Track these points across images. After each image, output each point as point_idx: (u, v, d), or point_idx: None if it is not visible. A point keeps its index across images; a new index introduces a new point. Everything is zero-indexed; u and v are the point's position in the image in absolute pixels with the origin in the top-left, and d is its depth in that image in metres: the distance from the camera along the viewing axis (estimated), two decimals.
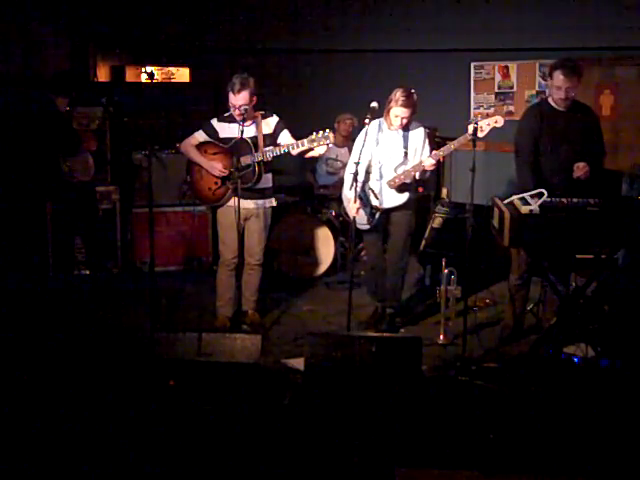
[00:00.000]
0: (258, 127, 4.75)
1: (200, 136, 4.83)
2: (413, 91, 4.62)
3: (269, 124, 4.80)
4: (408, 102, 4.56)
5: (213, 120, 4.84)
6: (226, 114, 4.80)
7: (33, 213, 5.83)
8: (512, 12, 7.15)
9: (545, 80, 4.39)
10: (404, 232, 4.83)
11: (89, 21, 7.17)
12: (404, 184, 4.70)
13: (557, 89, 4.32)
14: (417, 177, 4.75)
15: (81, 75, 7.02)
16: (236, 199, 4.48)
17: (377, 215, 4.77)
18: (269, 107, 4.90)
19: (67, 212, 5.84)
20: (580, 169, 4.33)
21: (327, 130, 4.48)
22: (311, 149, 4.57)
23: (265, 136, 4.76)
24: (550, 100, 4.44)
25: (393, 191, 4.72)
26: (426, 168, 4.60)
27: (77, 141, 5.59)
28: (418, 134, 4.73)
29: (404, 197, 4.72)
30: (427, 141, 4.76)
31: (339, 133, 6.62)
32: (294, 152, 4.59)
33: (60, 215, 5.80)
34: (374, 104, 4.46)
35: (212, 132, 4.81)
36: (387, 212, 4.80)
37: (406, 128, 4.69)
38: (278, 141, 4.76)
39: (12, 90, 5.82)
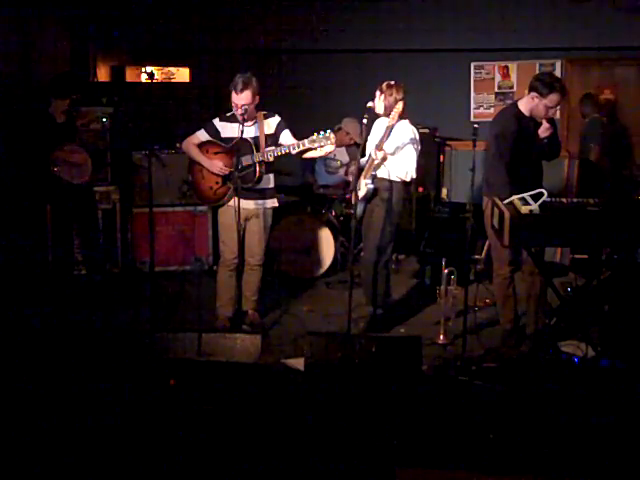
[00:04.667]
0: (260, 127, 4.75)
1: (202, 135, 4.84)
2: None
3: (270, 124, 4.80)
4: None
5: (215, 120, 4.84)
6: (228, 114, 4.81)
7: (33, 214, 5.85)
8: (512, 12, 7.16)
9: (537, 92, 4.43)
10: (375, 229, 4.85)
11: (89, 21, 7.17)
12: (381, 178, 4.80)
13: (548, 108, 4.43)
14: (403, 177, 4.79)
15: (82, 76, 7.00)
16: (236, 199, 4.48)
17: (358, 206, 4.81)
18: (269, 107, 4.90)
19: (67, 212, 5.84)
20: (546, 129, 4.48)
21: (328, 130, 4.49)
22: (312, 149, 4.58)
23: (267, 136, 4.76)
24: (521, 106, 4.51)
25: (365, 182, 4.81)
26: (375, 160, 4.70)
27: (61, 135, 5.60)
28: (402, 131, 4.76)
29: (367, 188, 4.80)
30: (411, 138, 4.77)
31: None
32: (294, 152, 4.60)
33: (60, 215, 5.81)
34: (370, 104, 4.56)
35: (214, 131, 4.81)
36: (368, 207, 4.88)
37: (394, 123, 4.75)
38: (279, 141, 4.77)
39: (9, 92, 5.84)
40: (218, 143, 4.80)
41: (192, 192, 5.05)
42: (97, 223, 6.08)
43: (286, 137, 4.77)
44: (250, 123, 4.70)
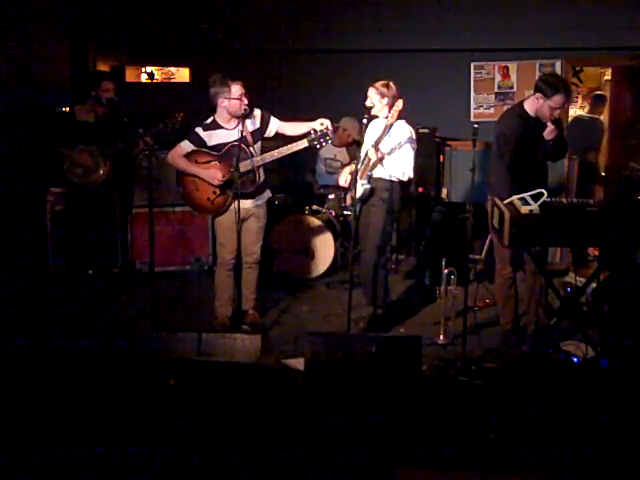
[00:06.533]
0: (244, 127, 4.62)
1: (187, 146, 4.71)
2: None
3: (252, 120, 4.77)
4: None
5: (198, 129, 4.73)
6: (208, 121, 4.74)
7: (33, 213, 5.86)
8: (512, 12, 7.15)
9: (541, 93, 4.42)
10: (370, 228, 4.83)
11: (89, 21, 7.17)
12: (378, 178, 4.78)
13: (553, 109, 4.41)
14: (395, 176, 4.77)
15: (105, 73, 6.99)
16: (236, 202, 4.47)
17: (355, 206, 4.80)
18: (269, 107, 4.90)
19: (68, 212, 5.84)
20: (551, 131, 4.45)
21: (329, 121, 4.51)
22: (311, 148, 4.61)
23: (252, 133, 4.73)
24: (526, 107, 4.51)
25: (361, 182, 4.78)
26: (371, 160, 4.68)
27: (82, 134, 5.65)
28: (399, 131, 4.75)
29: (363, 188, 4.77)
30: (409, 137, 4.75)
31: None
32: (295, 150, 4.61)
33: (61, 215, 5.81)
34: (369, 103, 4.61)
35: (199, 141, 4.70)
36: (364, 207, 4.86)
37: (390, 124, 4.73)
38: (270, 128, 4.77)
39: (9, 91, 5.87)
40: (207, 152, 4.70)
41: (186, 204, 4.97)
42: (98, 222, 6.07)
43: (281, 126, 4.77)
44: (233, 125, 4.67)
